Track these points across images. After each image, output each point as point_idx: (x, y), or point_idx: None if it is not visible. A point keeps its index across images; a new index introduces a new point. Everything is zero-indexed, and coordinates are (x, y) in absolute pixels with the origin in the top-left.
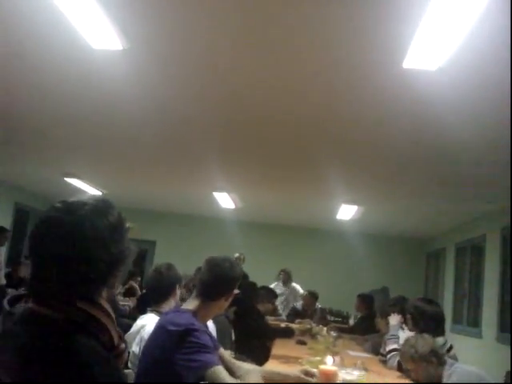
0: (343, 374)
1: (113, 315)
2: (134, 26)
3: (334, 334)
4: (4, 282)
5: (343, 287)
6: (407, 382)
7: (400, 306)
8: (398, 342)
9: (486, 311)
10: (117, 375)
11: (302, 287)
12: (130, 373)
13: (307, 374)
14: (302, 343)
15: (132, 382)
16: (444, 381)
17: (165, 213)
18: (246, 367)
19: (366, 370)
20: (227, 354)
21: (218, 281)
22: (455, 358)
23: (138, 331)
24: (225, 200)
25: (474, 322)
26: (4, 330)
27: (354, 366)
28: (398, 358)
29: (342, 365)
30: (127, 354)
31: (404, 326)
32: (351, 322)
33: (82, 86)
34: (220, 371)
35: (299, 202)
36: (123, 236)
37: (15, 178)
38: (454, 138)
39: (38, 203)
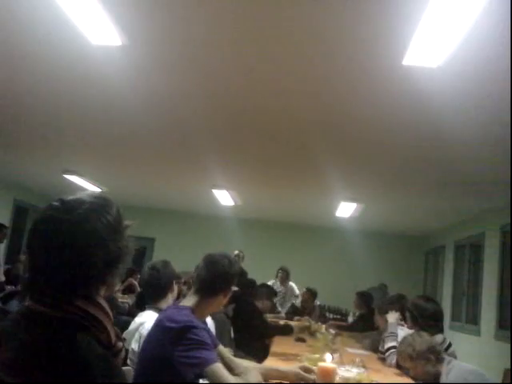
0: (342, 372)
1: (111, 314)
2: (133, 22)
3: (332, 331)
4: (3, 278)
5: (342, 285)
6: (406, 379)
7: (399, 303)
8: (396, 340)
9: (484, 309)
10: (115, 373)
11: (301, 284)
12: (130, 370)
13: (306, 370)
14: (301, 340)
15: (131, 378)
16: (442, 378)
17: (164, 210)
18: (245, 364)
19: (364, 367)
20: (226, 351)
21: (216, 277)
22: (454, 356)
23: (137, 328)
24: (224, 197)
25: (473, 320)
26: (1, 328)
27: (353, 364)
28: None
29: (341, 362)
30: (125, 353)
31: (403, 323)
32: (350, 319)
33: (81, 81)
34: (219, 368)
35: (298, 199)
36: (122, 234)
37: (14, 175)
38: (454, 136)
39: (37, 200)
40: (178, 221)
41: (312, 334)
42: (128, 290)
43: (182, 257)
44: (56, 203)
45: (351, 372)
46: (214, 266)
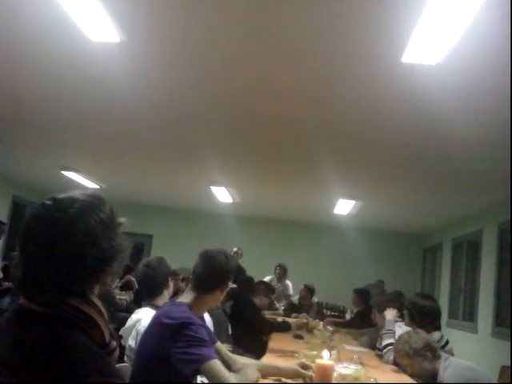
0: (340, 368)
1: (104, 312)
2: (131, 18)
3: (330, 328)
4: (1, 275)
5: (340, 282)
6: (403, 376)
7: (397, 301)
8: (393, 337)
9: (481, 306)
10: (110, 371)
11: (299, 281)
12: (127, 366)
13: (304, 367)
14: (299, 337)
15: (128, 375)
16: (440, 374)
17: (162, 207)
18: (243, 361)
19: (362, 364)
20: (224, 347)
21: (213, 273)
22: (451, 353)
23: (134, 325)
24: (222, 194)
25: (470, 317)
26: None
27: (351, 360)
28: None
29: (339, 359)
30: (118, 352)
31: (401, 320)
32: (348, 316)
33: (80, 78)
34: (216, 365)
35: (297, 196)
36: (115, 232)
37: (12, 172)
38: (453, 133)
39: (35, 197)
40: (176, 218)
41: (310, 330)
42: (126, 286)
43: (180, 254)
44: (48, 201)
45: (349, 369)
46: (210, 262)
